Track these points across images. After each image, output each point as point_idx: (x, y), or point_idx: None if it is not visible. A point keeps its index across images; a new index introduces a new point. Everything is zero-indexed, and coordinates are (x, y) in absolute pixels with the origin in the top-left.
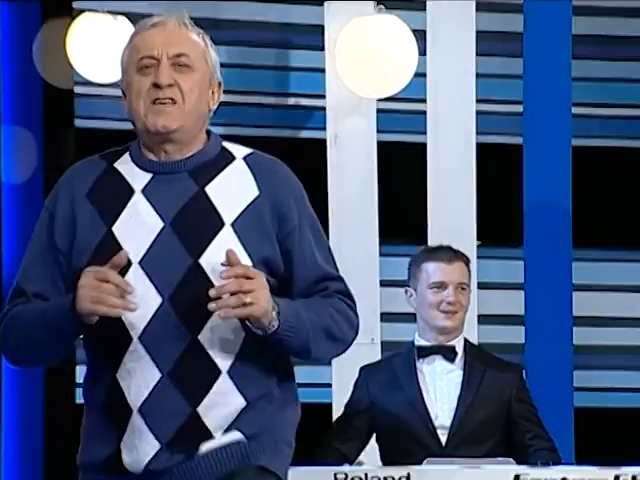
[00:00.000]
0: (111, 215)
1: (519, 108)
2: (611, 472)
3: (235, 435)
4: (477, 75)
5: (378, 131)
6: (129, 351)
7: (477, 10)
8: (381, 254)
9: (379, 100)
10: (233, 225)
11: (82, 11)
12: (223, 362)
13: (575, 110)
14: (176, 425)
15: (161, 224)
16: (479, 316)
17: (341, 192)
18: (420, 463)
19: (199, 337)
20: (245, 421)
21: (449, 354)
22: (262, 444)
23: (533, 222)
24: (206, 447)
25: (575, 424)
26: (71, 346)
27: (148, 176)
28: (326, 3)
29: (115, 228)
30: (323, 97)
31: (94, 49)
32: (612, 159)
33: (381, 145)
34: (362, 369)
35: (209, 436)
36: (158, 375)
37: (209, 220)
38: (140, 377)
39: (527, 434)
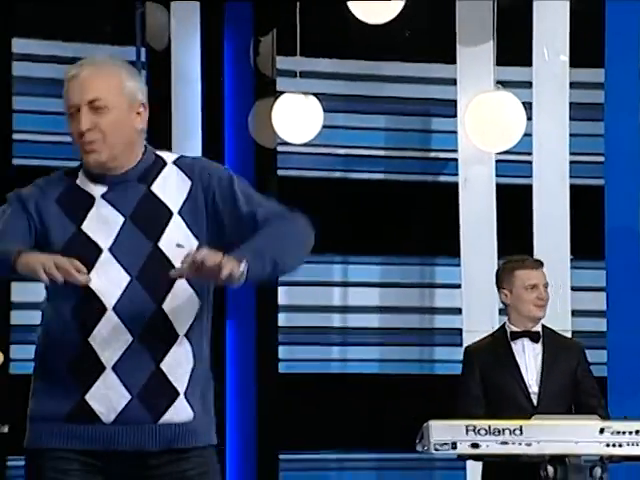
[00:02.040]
0: (79, 217)
1: (601, 158)
2: None
3: (189, 411)
4: (570, 135)
5: (496, 176)
6: (103, 320)
7: (570, 87)
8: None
9: (497, 153)
10: (180, 213)
11: (282, 92)
12: (180, 327)
13: None
14: (144, 379)
15: (122, 219)
16: (572, 311)
17: (469, 221)
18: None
19: (163, 306)
20: (194, 383)
21: (535, 337)
22: (206, 420)
23: (612, 241)
24: (162, 420)
25: None
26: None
27: (104, 187)
28: (458, 83)
29: (84, 227)
30: (455, 151)
31: (292, 119)
32: None
33: (499, 186)
34: (467, 349)
35: (171, 389)
36: (129, 338)
37: (160, 212)
38: (113, 340)
39: (589, 397)
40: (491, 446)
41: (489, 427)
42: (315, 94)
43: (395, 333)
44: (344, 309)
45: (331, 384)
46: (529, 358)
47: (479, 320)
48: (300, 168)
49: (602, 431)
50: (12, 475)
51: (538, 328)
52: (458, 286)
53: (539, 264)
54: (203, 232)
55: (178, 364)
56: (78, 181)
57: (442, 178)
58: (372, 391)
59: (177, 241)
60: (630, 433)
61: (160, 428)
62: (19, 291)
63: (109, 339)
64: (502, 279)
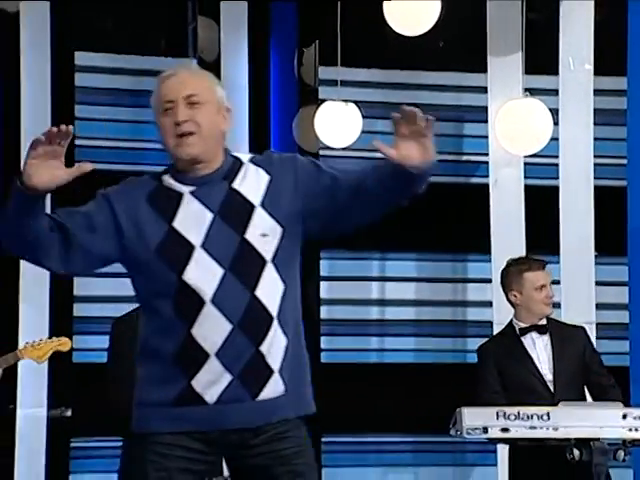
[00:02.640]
0: (170, 213)
1: (624, 161)
2: None
3: (281, 385)
4: (594, 139)
5: (525, 177)
6: (203, 312)
7: (594, 94)
8: None
9: (526, 156)
10: (262, 205)
11: (324, 100)
12: (273, 310)
13: None
14: (244, 361)
15: (211, 215)
16: (597, 304)
17: (499, 219)
18: None
19: (256, 293)
20: (289, 361)
21: (542, 329)
22: (299, 391)
23: (634, 239)
24: (260, 397)
25: None
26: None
27: (192, 187)
28: (489, 91)
29: (176, 224)
30: (486, 154)
31: (333, 125)
32: None
33: (527, 187)
34: (481, 348)
35: (267, 368)
36: (229, 326)
37: (243, 206)
38: (214, 330)
39: (600, 377)
40: (520, 431)
41: (518, 413)
42: (355, 102)
43: (429, 325)
44: (382, 302)
45: (369, 373)
46: (540, 349)
47: (509, 313)
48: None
49: (625, 417)
50: (76, 455)
51: (544, 321)
52: (489, 281)
53: (544, 264)
54: (287, 218)
55: (274, 344)
56: (166, 179)
57: (474, 180)
58: (408, 379)
59: (262, 231)
60: None
61: (258, 404)
62: (81, 285)
63: (210, 329)
64: (510, 281)
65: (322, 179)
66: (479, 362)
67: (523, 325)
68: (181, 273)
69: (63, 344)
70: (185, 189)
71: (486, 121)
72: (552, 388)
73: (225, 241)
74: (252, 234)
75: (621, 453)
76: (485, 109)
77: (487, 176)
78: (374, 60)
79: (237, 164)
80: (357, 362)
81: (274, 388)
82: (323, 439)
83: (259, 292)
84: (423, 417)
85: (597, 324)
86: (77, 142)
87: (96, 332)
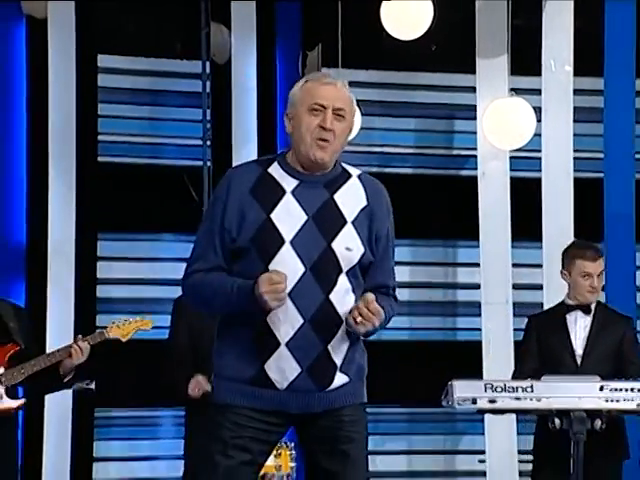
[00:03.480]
0: (269, 207)
1: (600, 155)
2: None
3: (345, 378)
4: (574, 135)
5: (510, 170)
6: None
7: (574, 94)
8: (512, 247)
9: (511, 150)
10: (353, 222)
11: None
12: (343, 314)
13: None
14: (313, 356)
15: (305, 217)
16: None
17: (486, 209)
18: None
19: (330, 296)
20: (351, 359)
21: (586, 310)
22: (358, 383)
23: (610, 226)
24: (328, 389)
25: None
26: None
27: (295, 182)
28: (477, 90)
29: (273, 216)
30: (475, 149)
31: None
32: None
33: (512, 179)
34: (529, 317)
35: (334, 365)
36: (301, 320)
37: (336, 218)
38: (287, 321)
39: (629, 365)
40: (506, 402)
41: (504, 385)
42: (355, 100)
43: (423, 305)
44: None
45: (368, 349)
46: (579, 328)
47: (495, 294)
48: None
49: (602, 388)
50: (99, 424)
51: (591, 303)
52: (477, 264)
53: (597, 255)
54: (366, 243)
55: (340, 344)
56: (271, 170)
57: (463, 172)
58: (403, 355)
59: (347, 245)
60: (625, 390)
61: (322, 395)
62: (103, 269)
63: (284, 320)
64: (565, 262)
65: (375, 259)
66: (525, 331)
67: (570, 303)
68: (268, 263)
69: (146, 323)
70: (288, 187)
71: (475, 118)
72: (580, 362)
73: (312, 243)
74: (338, 245)
75: (598, 422)
76: (474, 107)
77: (476, 169)
78: (372, 62)
79: (344, 176)
80: None
81: (338, 381)
82: None
83: (332, 296)
84: (417, 390)
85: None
86: (100, 138)
87: (117, 312)
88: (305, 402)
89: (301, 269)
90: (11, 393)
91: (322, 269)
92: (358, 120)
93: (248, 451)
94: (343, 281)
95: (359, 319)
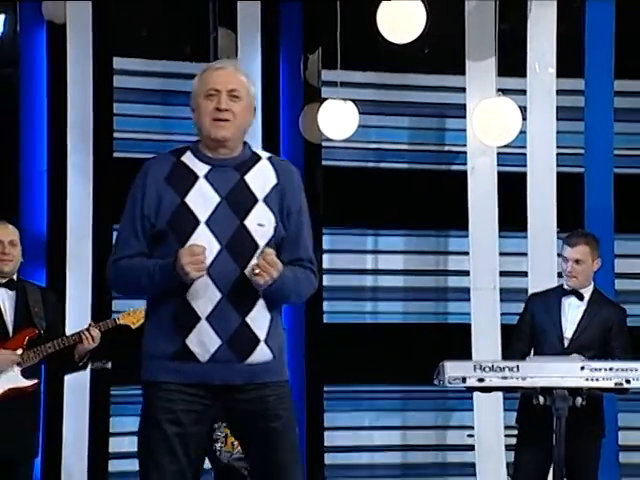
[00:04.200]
0: (183, 192)
1: (581, 151)
2: None
3: (268, 353)
4: (557, 132)
5: (498, 165)
6: (197, 280)
7: (557, 94)
8: (499, 236)
9: (498, 147)
10: (264, 200)
11: (326, 99)
12: (259, 290)
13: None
14: (232, 329)
15: (218, 198)
16: (558, 272)
17: (475, 201)
18: None
19: (245, 271)
20: (271, 333)
21: (579, 295)
22: (280, 360)
23: (590, 217)
24: (249, 360)
25: None
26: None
27: (207, 167)
28: (467, 90)
29: (187, 199)
30: (464, 145)
31: (334, 120)
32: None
33: (499, 173)
34: (530, 296)
35: (255, 338)
36: (219, 295)
37: (248, 197)
38: (206, 297)
39: (614, 350)
40: (494, 380)
41: (492, 365)
42: (352, 100)
43: (415, 291)
44: (375, 272)
45: (364, 332)
46: (572, 311)
47: (483, 280)
48: (340, 159)
49: (582, 368)
50: (115, 401)
51: (585, 290)
52: (466, 253)
53: (577, 242)
54: (278, 218)
55: (259, 317)
56: (184, 158)
57: (454, 167)
58: (397, 337)
59: (259, 222)
60: (605, 370)
61: (245, 367)
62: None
63: (202, 296)
64: (562, 249)
65: (288, 233)
66: (523, 308)
67: (566, 287)
68: (185, 243)
69: None
70: (201, 172)
71: (464, 117)
72: (567, 344)
73: (226, 222)
74: (250, 222)
75: (579, 399)
76: (464, 106)
77: (465, 164)
78: (369, 64)
79: (254, 158)
80: (354, 323)
81: (260, 355)
82: (325, 388)
83: (247, 271)
84: (410, 369)
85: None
86: (115, 135)
87: (131, 297)
88: (227, 373)
89: (217, 247)
90: (27, 373)
91: (237, 246)
92: (354, 118)
93: (179, 424)
94: (259, 253)
95: (257, 270)
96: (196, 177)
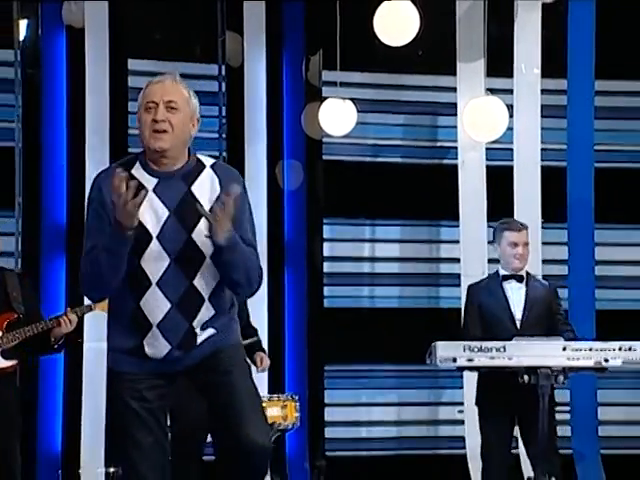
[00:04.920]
0: None
1: (564, 146)
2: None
3: (211, 331)
4: (541, 128)
5: (486, 159)
6: (149, 291)
7: (542, 93)
8: (488, 226)
9: (487, 142)
10: (210, 210)
11: (326, 98)
12: (206, 294)
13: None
14: (180, 334)
15: (167, 212)
16: (543, 260)
17: (466, 193)
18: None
19: (194, 282)
20: (215, 321)
21: (520, 279)
22: (226, 332)
23: (572, 208)
24: (198, 340)
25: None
26: (123, 266)
27: (155, 180)
28: (458, 90)
29: (139, 215)
30: (455, 141)
31: (334, 117)
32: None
33: (488, 167)
34: (469, 287)
35: (195, 335)
36: (169, 305)
37: (194, 210)
38: (156, 306)
39: (560, 324)
40: (482, 360)
41: (481, 346)
42: (351, 99)
43: (410, 277)
44: (372, 259)
45: (362, 315)
46: (515, 294)
47: (473, 267)
48: (340, 154)
49: (564, 349)
50: None
51: (523, 272)
52: (457, 242)
53: (522, 227)
54: None
55: (203, 317)
56: (134, 171)
57: (445, 161)
58: (393, 320)
59: (206, 233)
60: (585, 350)
61: (194, 352)
62: None
63: (153, 305)
64: (495, 236)
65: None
66: (466, 298)
67: (504, 273)
68: (140, 258)
69: None
70: (150, 185)
71: (455, 114)
72: (519, 325)
73: (175, 236)
74: (197, 235)
75: (561, 377)
76: (454, 105)
77: (456, 158)
78: (367, 65)
79: (199, 167)
80: (353, 307)
81: (204, 338)
82: (325, 367)
83: (196, 281)
84: (405, 350)
85: (543, 276)
86: (129, 131)
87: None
88: (181, 363)
89: (167, 260)
90: (7, 355)
91: (185, 258)
92: (352, 116)
93: (145, 400)
94: (207, 265)
95: (217, 217)
96: (146, 191)
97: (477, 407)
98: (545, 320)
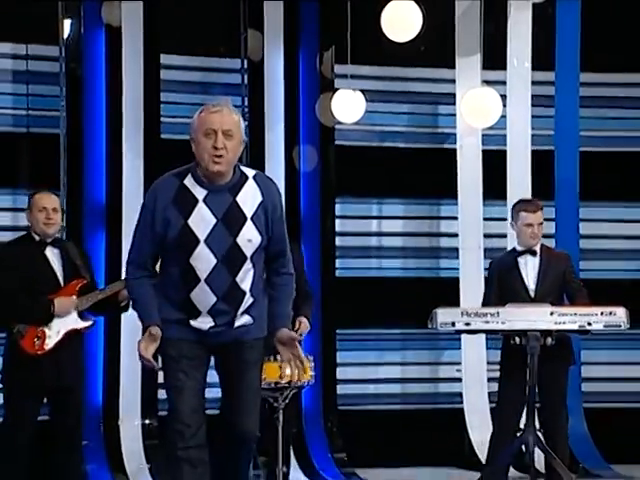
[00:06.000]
0: (186, 214)
1: (552, 132)
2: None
3: (249, 319)
4: (532, 116)
5: (482, 144)
6: (198, 286)
7: (532, 84)
8: (484, 204)
9: (483, 129)
10: (252, 218)
11: (338, 89)
12: (245, 287)
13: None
14: (226, 320)
15: (215, 220)
16: None
17: (464, 174)
18: None
19: (236, 279)
20: (253, 309)
21: (533, 253)
22: (259, 324)
23: (560, 187)
24: (236, 324)
25: None
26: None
27: (205, 192)
28: (457, 81)
29: (189, 221)
30: (454, 127)
31: (345, 106)
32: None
33: (484, 151)
34: (491, 262)
35: (237, 315)
36: (214, 298)
37: (239, 217)
38: (204, 299)
39: (575, 292)
40: (478, 324)
41: (477, 312)
42: (360, 90)
43: (413, 250)
44: (379, 234)
45: (370, 284)
46: (529, 268)
47: (469, 241)
48: (350, 139)
49: (552, 314)
50: None
51: (537, 247)
52: (456, 218)
53: (537, 208)
54: (264, 233)
55: (244, 305)
56: (186, 182)
57: (445, 146)
58: (397, 288)
59: (248, 238)
60: (570, 315)
61: (234, 330)
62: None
63: (203, 299)
64: (513, 215)
65: (273, 235)
66: (488, 272)
67: (520, 249)
68: (189, 258)
69: None
70: (200, 196)
71: (454, 104)
72: (533, 295)
73: (221, 240)
74: (241, 239)
75: (549, 339)
76: (454, 95)
77: (455, 143)
78: (374, 59)
79: (243, 179)
80: (361, 276)
81: (242, 321)
82: (337, 331)
83: (238, 278)
84: (408, 315)
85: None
86: (162, 120)
87: None
88: (218, 338)
89: (214, 261)
90: (83, 317)
91: (230, 259)
92: (361, 105)
93: (189, 358)
94: (247, 264)
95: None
96: (196, 200)
97: (500, 366)
98: (558, 289)
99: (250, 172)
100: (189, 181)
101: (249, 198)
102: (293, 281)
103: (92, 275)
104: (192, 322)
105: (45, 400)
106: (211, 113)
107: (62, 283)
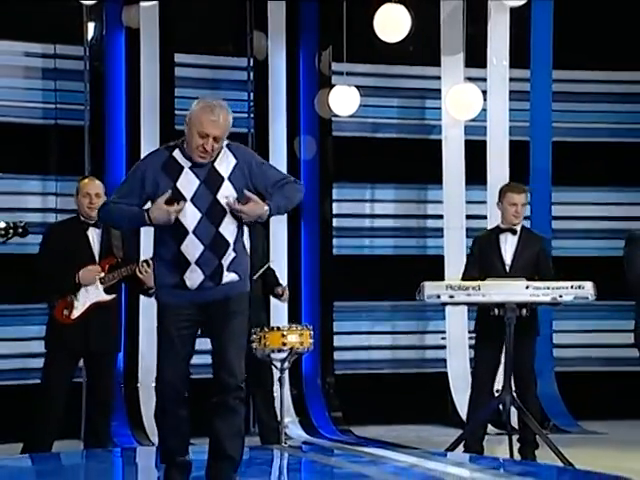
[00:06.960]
0: (174, 177)
1: (527, 124)
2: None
3: (235, 276)
4: (509, 110)
5: (465, 134)
6: (187, 238)
7: (510, 81)
8: (466, 189)
9: (465, 121)
10: (229, 179)
11: (335, 85)
12: (230, 239)
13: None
14: (212, 268)
15: (198, 182)
16: None
17: (448, 161)
18: None
19: (220, 229)
20: (238, 265)
21: (513, 232)
22: (244, 280)
23: (534, 175)
24: (224, 280)
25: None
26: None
27: (190, 162)
28: (442, 78)
29: (178, 184)
30: (440, 120)
31: (341, 101)
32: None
33: (466, 141)
34: (474, 238)
35: (223, 270)
36: (202, 247)
37: (217, 178)
38: (194, 248)
39: (545, 271)
40: (461, 297)
41: (460, 285)
42: (355, 85)
43: (402, 230)
44: (372, 216)
45: (363, 261)
46: (508, 245)
47: (453, 222)
48: (346, 130)
49: (527, 287)
50: None
51: (518, 227)
52: (441, 202)
53: (522, 190)
54: (242, 189)
55: (229, 258)
56: (175, 154)
57: (432, 136)
58: (388, 264)
59: (226, 194)
60: (543, 289)
61: (220, 287)
62: None
63: (191, 248)
64: (500, 195)
65: (262, 182)
66: (471, 246)
67: (502, 227)
68: (178, 215)
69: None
70: (186, 165)
71: (440, 98)
72: (508, 269)
73: (204, 198)
74: (221, 195)
75: (524, 310)
76: (439, 90)
77: (440, 134)
78: (368, 58)
79: (219, 150)
80: (356, 254)
81: (228, 278)
82: (334, 303)
83: (221, 229)
84: (398, 289)
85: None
86: (176, 112)
87: None
88: (210, 294)
89: (199, 215)
90: (109, 291)
91: (213, 213)
92: (356, 100)
93: (180, 328)
94: (227, 217)
95: (244, 217)
96: (182, 167)
97: (475, 333)
98: (531, 266)
99: (224, 143)
100: (177, 153)
101: (224, 162)
102: (295, 183)
103: (127, 256)
104: (185, 278)
105: (82, 364)
106: (210, 120)
107: (97, 260)
